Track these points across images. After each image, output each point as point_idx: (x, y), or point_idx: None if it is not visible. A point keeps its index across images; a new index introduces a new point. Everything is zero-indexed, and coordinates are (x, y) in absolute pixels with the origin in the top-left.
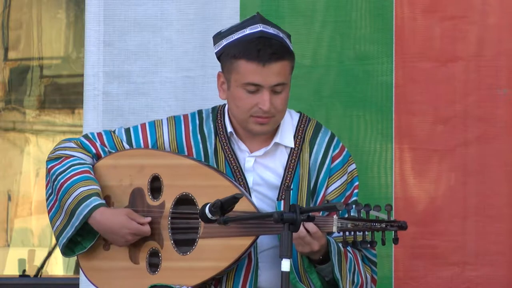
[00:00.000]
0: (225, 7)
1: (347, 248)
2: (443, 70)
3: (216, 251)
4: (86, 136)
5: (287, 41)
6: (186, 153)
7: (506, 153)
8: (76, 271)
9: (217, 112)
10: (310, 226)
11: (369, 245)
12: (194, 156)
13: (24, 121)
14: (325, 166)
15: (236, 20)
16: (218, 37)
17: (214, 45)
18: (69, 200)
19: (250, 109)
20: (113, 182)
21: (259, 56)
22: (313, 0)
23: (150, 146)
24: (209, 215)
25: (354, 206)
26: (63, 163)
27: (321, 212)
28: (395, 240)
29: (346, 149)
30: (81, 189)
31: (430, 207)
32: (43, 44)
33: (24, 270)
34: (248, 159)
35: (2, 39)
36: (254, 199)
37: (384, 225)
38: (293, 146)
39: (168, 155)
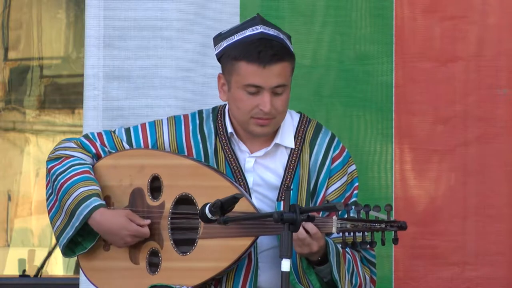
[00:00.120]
0: (225, 7)
1: (346, 249)
2: (443, 70)
3: (216, 251)
4: (86, 136)
5: (288, 42)
6: (186, 153)
7: (506, 153)
8: (76, 271)
9: (217, 112)
10: (310, 226)
11: (368, 246)
12: (194, 156)
13: (24, 121)
14: (325, 167)
15: (236, 20)
16: (218, 38)
17: (214, 46)
18: (69, 201)
19: (251, 111)
20: (113, 182)
21: (260, 57)
22: (313, 0)
23: (150, 146)
24: (209, 215)
25: (353, 206)
26: (63, 163)
27: (320, 213)
28: (395, 240)
29: (346, 150)
30: (81, 189)
31: (430, 207)
32: (43, 44)
33: (24, 270)
34: (248, 159)
35: (2, 39)
36: (254, 199)
37: (383, 226)
38: (293, 146)
39: (168, 155)
